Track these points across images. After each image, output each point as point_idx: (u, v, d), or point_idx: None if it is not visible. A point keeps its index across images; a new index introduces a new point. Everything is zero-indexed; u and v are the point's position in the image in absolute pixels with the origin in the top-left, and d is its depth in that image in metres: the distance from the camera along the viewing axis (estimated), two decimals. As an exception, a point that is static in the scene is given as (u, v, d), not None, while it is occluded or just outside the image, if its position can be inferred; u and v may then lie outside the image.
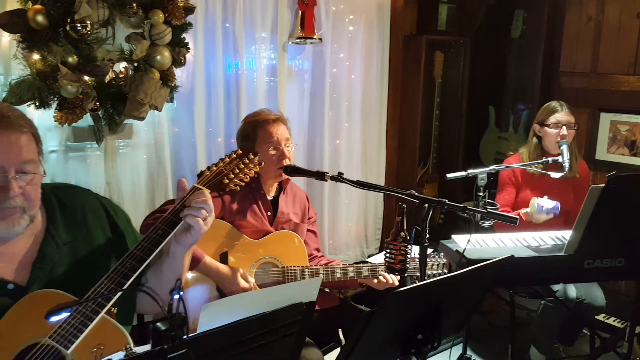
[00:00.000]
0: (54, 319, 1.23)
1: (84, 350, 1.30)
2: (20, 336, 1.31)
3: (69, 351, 1.28)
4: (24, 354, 1.29)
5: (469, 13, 4.22)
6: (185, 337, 0.90)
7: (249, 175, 1.72)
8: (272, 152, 2.28)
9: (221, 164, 1.70)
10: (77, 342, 1.29)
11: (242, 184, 1.70)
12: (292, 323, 1.11)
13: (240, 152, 1.74)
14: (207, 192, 1.55)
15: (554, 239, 2.44)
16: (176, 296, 0.93)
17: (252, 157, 1.74)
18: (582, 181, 3.12)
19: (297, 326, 1.12)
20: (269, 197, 2.39)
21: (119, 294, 1.35)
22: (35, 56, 2.22)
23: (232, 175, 1.67)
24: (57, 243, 1.48)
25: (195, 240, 1.53)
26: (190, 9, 2.60)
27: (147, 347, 0.91)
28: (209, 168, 1.68)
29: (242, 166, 1.70)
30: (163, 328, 0.86)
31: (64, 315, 1.24)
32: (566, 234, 2.43)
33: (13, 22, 2.19)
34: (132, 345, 0.98)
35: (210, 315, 0.95)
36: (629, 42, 3.65)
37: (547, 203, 2.78)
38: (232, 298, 1.01)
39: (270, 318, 1.04)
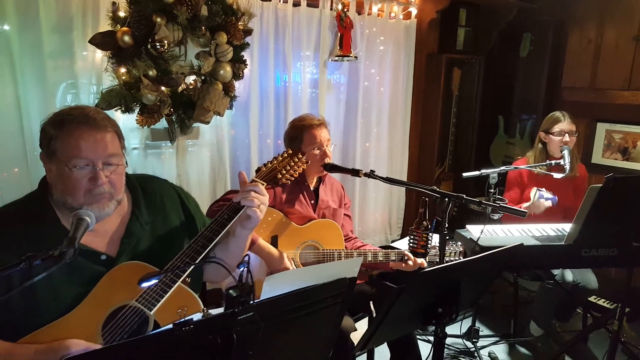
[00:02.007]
0: (145, 284, 1.27)
1: (171, 309, 1.34)
2: (112, 299, 1.35)
3: (152, 312, 1.31)
4: (115, 313, 1.33)
5: (483, 35, 4.16)
6: (252, 302, 0.91)
7: (298, 172, 1.73)
8: (316, 152, 2.29)
9: (275, 161, 1.71)
10: (158, 305, 1.32)
11: (292, 179, 1.71)
12: (337, 294, 1.12)
13: (291, 151, 1.75)
14: (261, 185, 1.57)
15: (555, 230, 2.40)
16: (243, 268, 0.95)
17: (301, 156, 1.75)
18: (580, 181, 3.06)
19: (341, 297, 1.13)
20: (312, 188, 2.41)
21: (192, 267, 1.38)
22: (122, 70, 2.26)
23: (284, 172, 1.69)
24: (141, 223, 1.50)
25: (255, 224, 1.55)
26: (248, 32, 2.62)
27: (219, 310, 0.93)
28: (265, 165, 1.70)
29: (292, 164, 1.72)
30: (234, 294, 0.88)
31: (153, 281, 1.28)
32: (566, 226, 2.39)
33: (105, 41, 2.24)
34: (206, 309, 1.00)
35: (271, 285, 0.97)
36: (625, 61, 3.55)
37: (546, 193, 2.74)
38: (289, 272, 1.02)
39: (320, 290, 1.05)
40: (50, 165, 1.37)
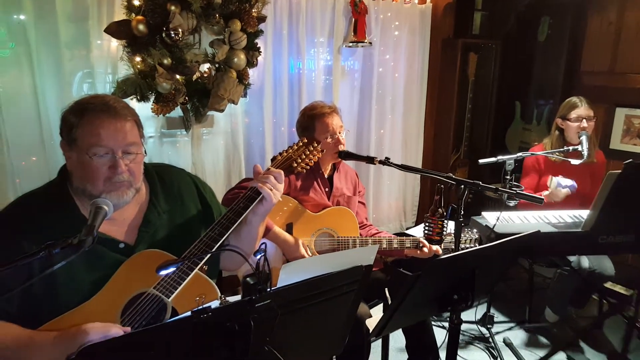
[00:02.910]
0: (163, 272, 1.27)
1: (189, 296, 1.35)
2: (131, 286, 1.36)
3: (169, 299, 1.32)
4: (133, 300, 1.34)
5: (499, 19, 4.07)
6: (269, 290, 0.92)
7: (313, 161, 1.72)
8: (329, 140, 2.28)
9: (290, 150, 1.71)
10: (176, 292, 1.33)
11: (308, 167, 1.70)
12: (354, 282, 1.12)
13: (306, 140, 1.74)
14: (277, 170, 1.56)
15: (572, 217, 2.38)
16: (260, 256, 0.95)
17: (316, 145, 1.74)
18: (598, 167, 3.01)
19: (357, 284, 1.13)
20: (326, 176, 2.40)
21: (209, 255, 1.39)
22: (137, 58, 2.27)
23: (300, 160, 1.68)
24: (159, 211, 1.51)
25: (267, 210, 1.55)
26: (262, 19, 2.61)
27: (237, 298, 0.94)
28: (280, 154, 1.69)
29: (308, 152, 1.71)
30: (252, 282, 0.89)
31: (171, 269, 1.29)
32: (582, 213, 2.36)
33: (120, 30, 2.25)
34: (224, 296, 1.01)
35: (288, 273, 0.97)
36: (646, 43, 3.45)
37: (564, 180, 2.70)
38: (305, 260, 1.02)
39: (336, 277, 1.06)
40: (70, 153, 1.38)
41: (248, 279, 0.88)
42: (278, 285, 0.97)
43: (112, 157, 1.35)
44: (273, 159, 1.67)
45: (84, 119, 1.34)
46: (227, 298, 0.96)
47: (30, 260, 1.01)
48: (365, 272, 1.11)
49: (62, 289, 1.31)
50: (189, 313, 0.85)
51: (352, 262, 1.07)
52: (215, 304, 0.91)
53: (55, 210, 1.37)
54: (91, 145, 1.33)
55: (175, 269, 1.28)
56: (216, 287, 1.40)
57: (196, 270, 1.37)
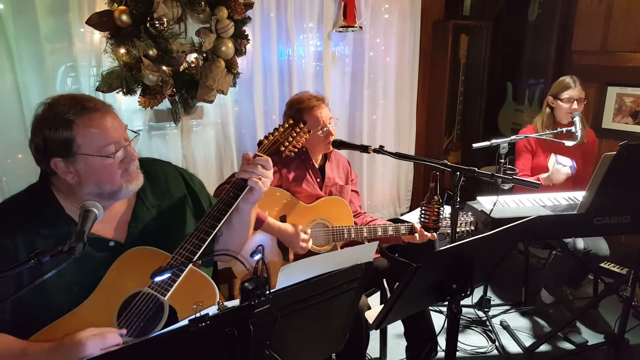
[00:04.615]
0: (158, 278, 1.25)
1: (186, 293, 1.34)
2: (125, 286, 1.34)
3: (165, 298, 1.31)
4: (129, 301, 1.32)
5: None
6: (268, 292, 0.89)
7: (301, 142, 1.70)
8: (320, 132, 2.25)
9: (277, 133, 1.67)
10: (171, 290, 1.32)
11: (296, 150, 1.68)
12: (353, 280, 1.10)
13: (292, 122, 1.71)
14: (264, 157, 1.53)
15: (567, 199, 2.38)
16: (257, 257, 0.92)
17: (302, 126, 1.70)
18: (590, 147, 3.00)
19: (357, 283, 1.11)
20: (317, 166, 2.37)
21: (202, 248, 1.37)
22: (122, 50, 2.21)
23: (287, 143, 1.65)
24: (147, 206, 1.49)
25: (257, 198, 1.53)
26: (249, 5, 2.54)
27: (235, 302, 0.91)
28: (266, 137, 1.65)
29: (295, 134, 1.68)
30: (250, 287, 0.86)
31: (166, 275, 1.26)
32: (578, 195, 2.36)
33: (102, 21, 2.18)
34: (223, 301, 0.98)
35: (286, 275, 0.95)
36: (638, 22, 3.43)
37: (563, 159, 2.69)
38: (305, 260, 1.00)
39: (336, 277, 1.04)
40: (71, 168, 1.32)
41: (246, 284, 0.85)
42: (277, 287, 0.95)
43: (123, 150, 1.35)
44: (260, 144, 1.63)
45: (78, 127, 1.29)
46: (226, 303, 0.93)
47: (19, 269, 0.98)
48: (365, 270, 1.09)
49: (53, 294, 1.29)
50: (186, 321, 0.82)
51: (352, 260, 1.05)
52: (213, 309, 0.88)
53: (39, 213, 1.34)
54: (100, 146, 1.31)
55: (169, 274, 1.25)
56: (212, 281, 1.38)
57: (190, 265, 1.35)
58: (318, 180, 2.34)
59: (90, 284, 1.32)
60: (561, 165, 2.68)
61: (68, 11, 2.25)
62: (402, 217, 2.39)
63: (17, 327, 1.24)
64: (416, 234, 2.22)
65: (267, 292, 0.89)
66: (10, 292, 1.02)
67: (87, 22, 2.16)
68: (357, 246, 1.02)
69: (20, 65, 2.19)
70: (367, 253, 1.08)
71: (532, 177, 2.80)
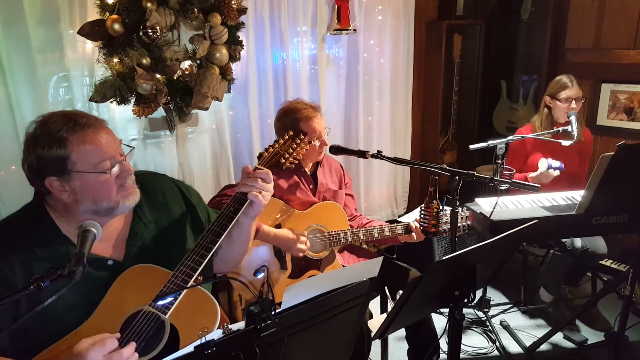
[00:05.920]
0: (161, 302, 1.23)
1: (187, 311, 1.32)
2: (126, 305, 1.32)
3: (166, 316, 1.29)
4: (130, 320, 1.30)
5: (483, -1, 4.05)
6: (273, 313, 0.88)
7: (302, 154, 1.67)
8: (316, 142, 2.24)
9: (277, 145, 1.65)
10: (172, 308, 1.30)
11: (296, 161, 1.65)
12: (359, 296, 1.09)
13: (292, 133, 1.69)
14: (264, 170, 1.52)
15: (565, 199, 2.37)
16: (261, 276, 0.91)
17: (303, 137, 1.68)
18: (585, 145, 3.01)
19: (362, 298, 1.10)
20: (309, 172, 2.36)
21: (200, 268, 1.35)
22: (115, 60, 2.18)
23: (287, 155, 1.62)
24: (145, 222, 1.47)
25: (257, 211, 1.52)
26: (242, 10, 2.52)
27: (240, 325, 0.90)
28: (266, 150, 1.63)
29: (295, 146, 1.65)
30: (255, 311, 0.85)
31: (169, 299, 1.25)
32: (575, 194, 2.36)
33: (94, 31, 2.15)
34: (228, 323, 0.97)
35: (292, 295, 0.93)
36: (631, 19, 3.44)
37: (554, 162, 2.69)
38: (310, 280, 0.98)
39: (342, 294, 1.02)
40: (66, 187, 1.30)
41: (252, 307, 0.84)
42: (283, 307, 0.94)
43: (119, 165, 1.34)
44: (260, 156, 1.61)
45: (73, 144, 1.27)
46: (231, 326, 0.91)
47: (19, 296, 0.96)
48: (370, 285, 1.07)
49: (53, 316, 1.27)
50: (191, 348, 0.81)
51: (357, 276, 1.04)
52: (218, 333, 0.87)
53: (36, 235, 1.32)
54: (96, 162, 1.29)
55: (172, 298, 1.24)
56: (213, 298, 1.36)
57: (191, 282, 1.33)
58: (311, 186, 2.32)
59: (90, 304, 1.30)
60: (552, 169, 2.68)
61: (59, 21, 2.22)
62: (400, 219, 2.38)
63: (17, 351, 1.22)
64: (413, 233, 2.22)
65: (273, 313, 0.87)
66: (8, 319, 0.99)
67: (79, 32, 2.12)
68: (361, 262, 1.00)
69: (12, 77, 2.16)
70: (371, 268, 1.06)
71: (520, 177, 2.80)
